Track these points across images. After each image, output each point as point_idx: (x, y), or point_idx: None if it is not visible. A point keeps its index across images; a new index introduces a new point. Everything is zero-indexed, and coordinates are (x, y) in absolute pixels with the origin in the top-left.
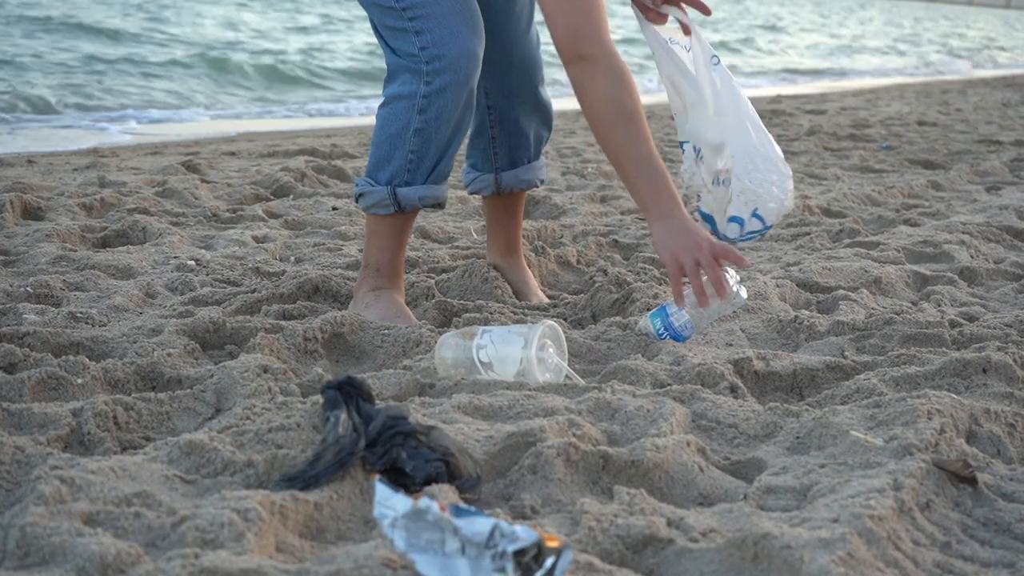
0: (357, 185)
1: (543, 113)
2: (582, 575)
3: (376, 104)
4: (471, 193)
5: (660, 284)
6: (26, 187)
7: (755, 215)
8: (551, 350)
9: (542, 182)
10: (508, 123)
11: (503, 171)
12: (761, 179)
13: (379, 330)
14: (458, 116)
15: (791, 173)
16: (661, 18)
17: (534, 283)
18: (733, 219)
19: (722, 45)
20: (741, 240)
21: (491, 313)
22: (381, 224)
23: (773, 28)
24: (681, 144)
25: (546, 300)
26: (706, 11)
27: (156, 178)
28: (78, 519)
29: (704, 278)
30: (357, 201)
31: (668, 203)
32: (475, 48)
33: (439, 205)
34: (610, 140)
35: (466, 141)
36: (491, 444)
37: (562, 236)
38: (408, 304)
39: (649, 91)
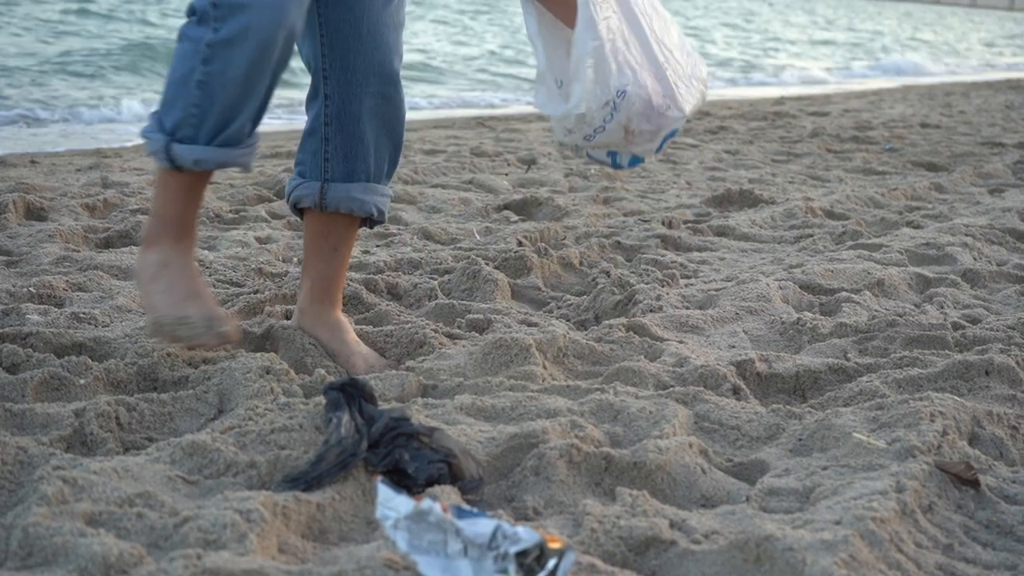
0: (148, 122)
1: (391, 119)
2: None
3: None
4: (292, 204)
5: (663, 286)
6: (29, 187)
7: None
8: None
9: (379, 216)
10: (346, 120)
11: (333, 182)
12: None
13: (381, 331)
14: (249, 76)
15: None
16: None
17: (354, 340)
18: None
19: None
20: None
21: (494, 315)
22: (167, 176)
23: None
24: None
25: (373, 361)
26: None
27: None
28: (80, 519)
29: None
30: (145, 140)
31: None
32: (281, 1)
33: (233, 165)
34: None
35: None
36: (493, 446)
37: (565, 237)
38: (411, 306)
39: None
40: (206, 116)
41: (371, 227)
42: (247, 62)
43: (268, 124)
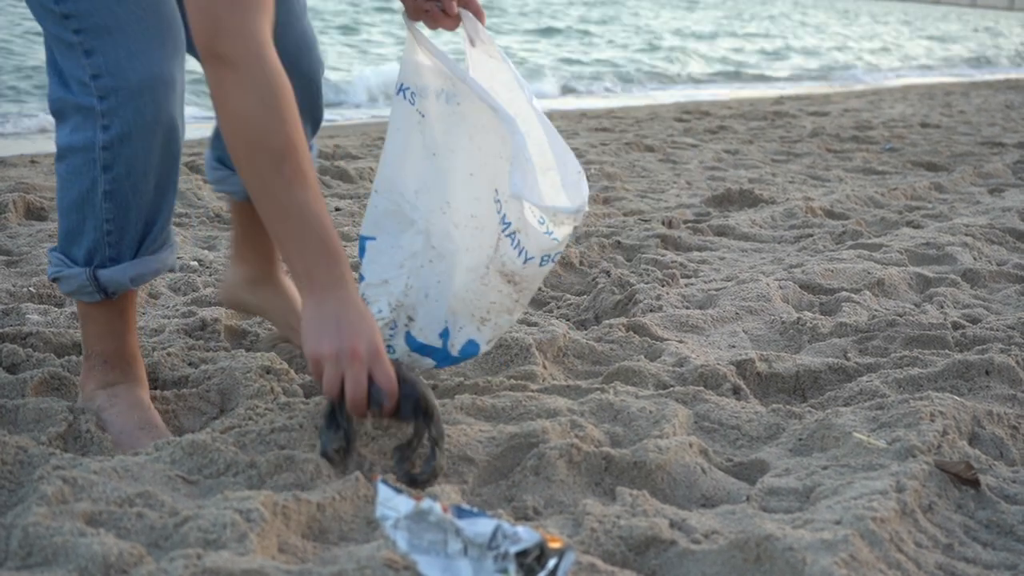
0: (51, 263)
1: (312, 111)
2: None
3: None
4: (217, 192)
5: (663, 285)
6: (29, 187)
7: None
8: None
9: None
10: None
11: None
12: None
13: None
14: (160, 163)
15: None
16: (452, 22)
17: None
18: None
19: None
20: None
21: None
22: (93, 309)
23: None
24: (362, 242)
25: None
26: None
27: None
28: (80, 519)
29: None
30: (55, 283)
31: (326, 273)
32: (164, 69)
33: (165, 271)
34: (250, 178)
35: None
36: (494, 445)
37: None
38: None
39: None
40: (125, 228)
41: None
42: (153, 149)
43: None
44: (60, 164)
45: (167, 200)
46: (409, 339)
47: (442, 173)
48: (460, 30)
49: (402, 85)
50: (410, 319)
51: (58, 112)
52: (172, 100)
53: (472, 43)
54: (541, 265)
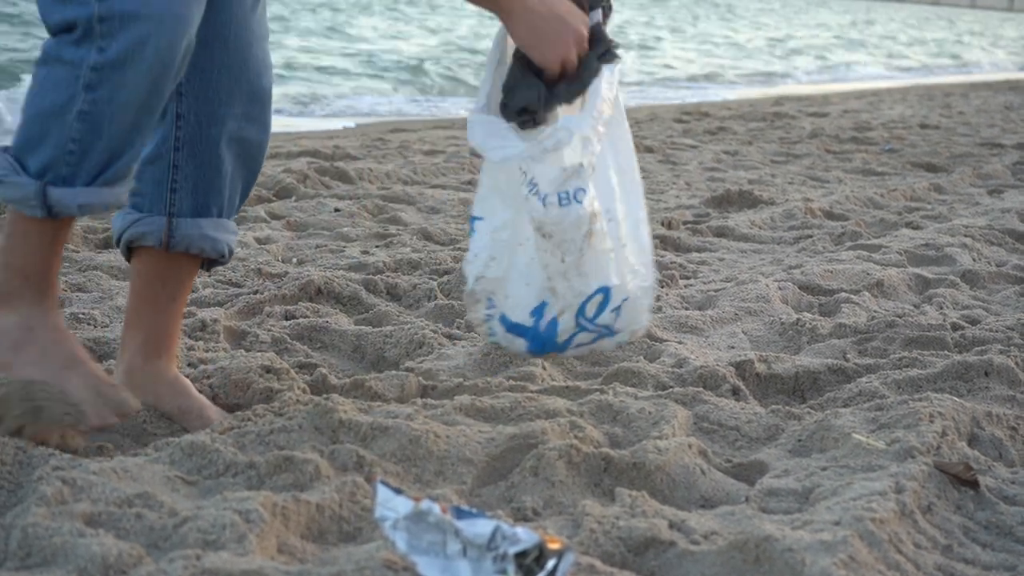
0: None
1: (254, 146)
2: None
3: (389, 103)
4: (124, 244)
5: (662, 286)
6: None
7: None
8: None
9: (229, 254)
10: (202, 146)
11: (180, 217)
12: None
13: (380, 332)
14: (146, 102)
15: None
16: None
17: (198, 396)
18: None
19: None
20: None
21: None
22: (28, 225)
23: None
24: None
25: (222, 416)
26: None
27: None
28: (80, 520)
29: None
30: None
31: None
32: (183, 8)
33: (113, 207)
34: None
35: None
36: (493, 446)
37: None
38: (410, 307)
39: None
40: (88, 152)
41: (207, 269)
42: (145, 84)
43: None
44: (41, 68)
45: (141, 138)
46: (503, 319)
47: None
48: None
49: None
50: (505, 296)
51: (62, 24)
52: (177, 37)
53: None
54: (561, 205)
